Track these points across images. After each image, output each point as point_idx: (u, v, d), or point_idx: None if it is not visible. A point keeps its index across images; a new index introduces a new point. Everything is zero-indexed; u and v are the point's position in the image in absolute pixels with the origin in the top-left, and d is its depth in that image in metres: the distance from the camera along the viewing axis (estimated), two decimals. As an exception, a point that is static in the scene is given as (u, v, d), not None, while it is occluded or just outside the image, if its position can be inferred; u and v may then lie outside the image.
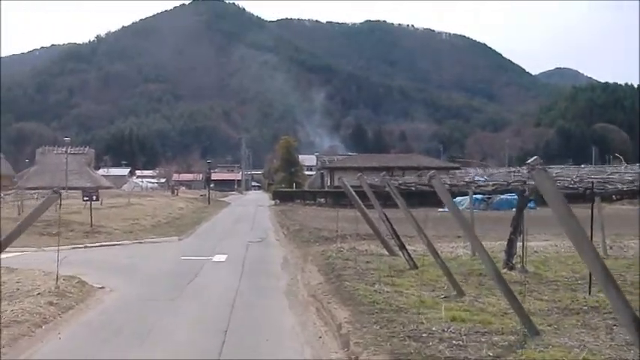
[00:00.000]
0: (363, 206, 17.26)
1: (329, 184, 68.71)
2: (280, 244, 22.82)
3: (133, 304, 11.55)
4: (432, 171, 12.77)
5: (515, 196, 51.78)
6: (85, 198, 27.44)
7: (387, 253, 16.86)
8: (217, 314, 10.53)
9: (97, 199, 28.46)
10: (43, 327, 9.23)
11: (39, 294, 11.00)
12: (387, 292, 11.29)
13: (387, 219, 14.31)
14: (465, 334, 8.19)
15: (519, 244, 15.22)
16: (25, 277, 13.21)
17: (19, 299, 10.61)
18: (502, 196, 50.77)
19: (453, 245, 18.73)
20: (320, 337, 9.06)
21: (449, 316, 9.20)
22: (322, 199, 58.68)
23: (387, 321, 9.00)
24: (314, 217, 37.05)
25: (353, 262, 14.99)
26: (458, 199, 53.17)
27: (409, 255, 14.28)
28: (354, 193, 17.29)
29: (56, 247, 21.75)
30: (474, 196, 52.88)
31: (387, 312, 9.60)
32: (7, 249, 14.85)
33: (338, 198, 57.25)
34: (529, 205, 48.41)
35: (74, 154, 77.94)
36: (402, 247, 14.39)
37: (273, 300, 12.00)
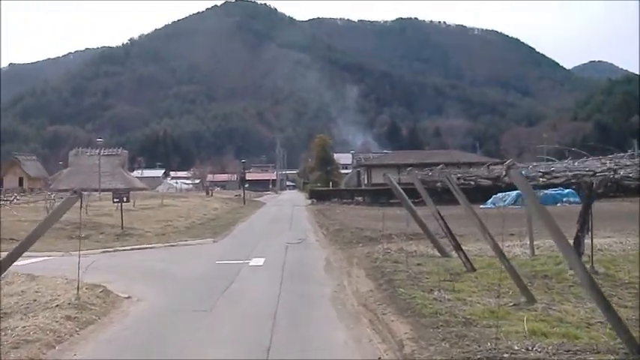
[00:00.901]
0: (411, 203, 15.81)
1: (366, 182, 67.28)
2: (321, 246, 21.39)
3: (163, 316, 10.27)
4: (509, 160, 11.16)
5: (560, 191, 49.95)
6: (116, 200, 26.36)
7: (438, 254, 15.44)
8: (257, 328, 9.25)
9: (128, 201, 27.40)
10: (57, 347, 8.04)
11: (57, 306, 9.81)
12: (449, 300, 9.93)
13: (442, 217, 12.83)
14: (553, 354, 6.80)
15: (586, 241, 13.80)
16: (45, 285, 12.00)
17: (34, 312, 9.44)
18: (546, 191, 48.65)
19: (508, 244, 17.10)
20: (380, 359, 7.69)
21: (527, 328, 7.85)
22: (360, 198, 57.27)
23: (457, 337, 7.69)
24: (353, 217, 35.63)
25: (404, 265, 13.59)
26: (500, 194, 51.40)
27: (466, 256, 12.82)
28: (401, 189, 15.83)
29: (86, 251, 20.97)
30: (518, 192, 51.11)
31: (453, 325, 8.28)
32: (31, 253, 13.97)
33: (376, 196, 56.06)
34: (573, 199, 46.43)
35: (107, 155, 77.44)
36: (458, 247, 12.91)
37: (319, 310, 10.63)
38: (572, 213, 34.74)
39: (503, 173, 8.74)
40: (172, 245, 22.30)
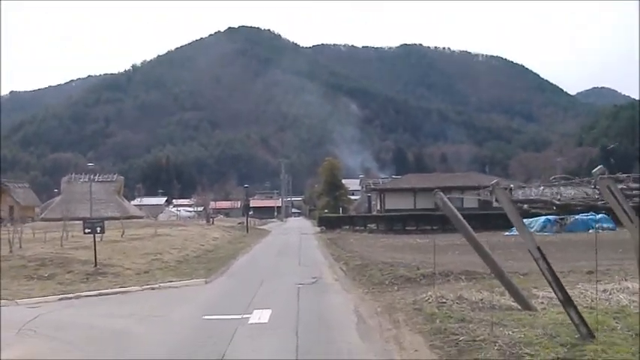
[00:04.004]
0: (473, 235, 11.22)
1: (378, 207, 62.72)
2: (343, 288, 16.56)
3: None
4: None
5: (592, 216, 45.34)
6: (87, 230, 21.68)
7: (515, 304, 10.89)
8: None
9: (102, 232, 22.72)
10: None
11: None
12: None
13: (543, 255, 8.18)
14: None
15: None
16: None
17: None
18: (577, 217, 44.24)
19: (602, 288, 12.43)
20: None
21: None
22: (373, 225, 52.68)
23: None
24: (371, 247, 31.04)
25: (477, 326, 9.07)
26: (525, 220, 46.76)
27: (580, 316, 8.21)
28: (459, 215, 11.24)
29: (39, 298, 16.48)
30: (547, 217, 46.56)
31: None
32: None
33: (391, 223, 51.66)
34: (606, 225, 41.71)
35: (102, 182, 73.25)
36: (568, 301, 8.27)
37: None
38: (605, 241, 30.59)
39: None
40: (153, 288, 17.55)
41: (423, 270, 16.28)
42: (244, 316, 12.10)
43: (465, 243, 26.54)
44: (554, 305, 10.88)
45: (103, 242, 29.98)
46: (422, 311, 10.83)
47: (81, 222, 27.10)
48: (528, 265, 17.29)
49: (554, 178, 7.57)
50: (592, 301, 10.75)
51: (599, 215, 44.98)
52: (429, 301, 11.57)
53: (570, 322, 8.56)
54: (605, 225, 44.07)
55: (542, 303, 11.16)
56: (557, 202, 7.61)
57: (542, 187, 8.30)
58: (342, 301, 13.97)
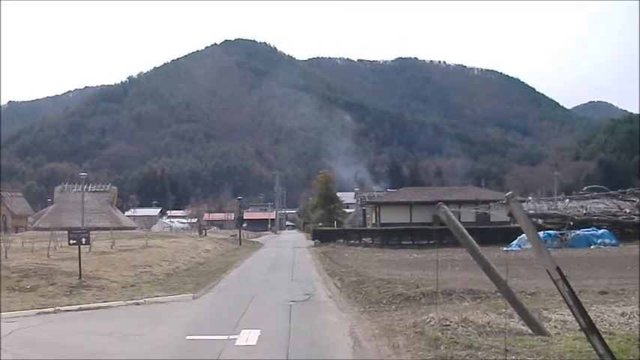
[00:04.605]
0: (480, 251, 10.38)
1: (374, 221, 61.85)
2: (337, 306, 15.62)
3: None
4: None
5: (594, 231, 44.56)
6: (72, 242, 20.74)
7: (525, 328, 10.03)
8: None
9: (88, 243, 21.80)
10: None
11: None
12: None
13: (563, 276, 7.29)
14: None
15: None
16: None
17: None
18: (578, 232, 43.42)
19: (611, 310, 11.58)
20: None
21: None
22: (368, 239, 51.73)
23: None
24: (367, 262, 30.19)
25: (487, 354, 8.24)
26: (524, 235, 45.98)
27: (605, 346, 7.35)
28: (464, 229, 10.41)
29: (18, 312, 15.55)
30: (547, 232, 45.79)
31: None
32: None
33: (387, 237, 50.76)
34: (608, 240, 40.96)
35: (95, 192, 72.26)
36: (592, 329, 7.41)
37: None
38: (610, 258, 29.82)
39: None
40: (137, 303, 16.64)
41: (423, 288, 15.38)
42: (231, 337, 11.19)
43: (465, 258, 25.76)
44: (568, 330, 10.07)
45: (92, 253, 29.14)
46: (424, 335, 9.96)
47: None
48: (533, 284, 16.50)
49: (587, 189, 6.76)
50: (610, 325, 9.92)
51: (601, 230, 44.25)
52: (431, 323, 10.70)
53: (590, 349, 7.74)
54: (607, 240, 43.34)
55: (556, 327, 10.32)
56: (577, 218, 6.78)
57: (567, 200, 7.46)
58: (336, 321, 13.07)
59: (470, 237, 10.30)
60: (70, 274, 20.68)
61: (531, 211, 8.72)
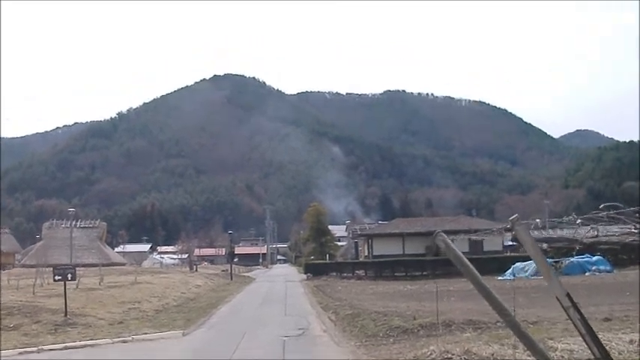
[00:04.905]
0: (481, 280, 9.94)
1: (366, 253, 61.29)
2: (333, 341, 15.06)
3: None
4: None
5: (588, 258, 44.20)
6: (57, 278, 20.15)
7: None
8: None
9: (74, 279, 21.17)
10: None
11: None
12: None
13: (574, 303, 6.83)
14: None
15: None
16: None
17: None
18: (572, 259, 43.04)
19: (618, 338, 11.11)
20: None
21: None
22: (361, 271, 51.15)
23: None
24: (361, 295, 29.67)
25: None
26: (519, 264, 45.58)
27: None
28: (464, 258, 9.97)
29: (3, 350, 14.82)
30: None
31: None
32: None
33: (380, 269, 50.24)
34: (603, 267, 40.63)
35: (83, 227, 71.52)
36: (607, 359, 6.97)
37: None
38: (606, 284, 29.45)
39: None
40: (124, 341, 16.04)
41: (421, 320, 14.92)
42: (222, 376, 10.67)
43: (461, 289, 25.24)
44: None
45: (79, 290, 28.53)
46: (426, 370, 9.49)
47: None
48: (533, 312, 16.05)
49: (603, 207, 6.40)
50: (620, 354, 9.47)
51: (595, 257, 43.97)
52: (432, 356, 10.22)
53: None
54: (601, 267, 43.07)
55: (563, 357, 9.87)
56: (585, 241, 6.42)
57: (579, 221, 7.08)
58: (333, 356, 12.55)
59: (471, 266, 9.83)
60: (56, 312, 20.09)
61: (535, 235, 8.35)
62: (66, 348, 14.93)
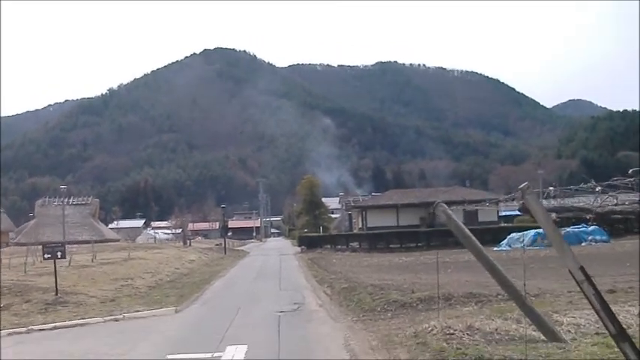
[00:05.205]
0: (484, 251, 9.56)
1: (360, 225, 61.04)
2: (329, 315, 14.71)
3: None
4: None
5: (584, 228, 43.95)
6: (47, 256, 19.69)
7: (537, 335, 9.17)
8: None
9: (63, 257, 20.68)
10: None
11: None
12: None
13: (588, 277, 6.42)
14: None
15: None
16: None
17: None
18: (568, 229, 42.66)
19: (625, 311, 10.73)
20: None
21: None
22: (355, 244, 50.86)
23: None
24: (356, 267, 29.34)
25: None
26: (515, 234, 45.38)
27: (638, 354, 6.51)
28: (466, 229, 9.59)
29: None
30: (536, 230, 45.15)
31: None
32: None
33: (374, 241, 49.96)
34: (599, 237, 40.37)
35: (76, 204, 71.08)
36: (623, 335, 6.55)
37: None
38: (604, 254, 29.22)
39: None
40: (116, 319, 15.64)
41: (419, 293, 14.54)
42: (215, 354, 10.26)
43: (457, 260, 24.95)
44: (584, 335, 9.28)
45: (72, 267, 28.14)
46: (427, 346, 9.08)
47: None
48: (534, 284, 15.68)
49: (633, 172, 5.92)
50: (629, 327, 9.11)
51: (591, 227, 43.73)
52: (434, 332, 9.82)
53: (613, 356, 6.94)
54: (598, 237, 42.82)
55: (570, 332, 9.49)
56: (599, 210, 5.96)
57: (598, 189, 6.59)
58: (329, 332, 12.17)
59: (473, 237, 9.48)
60: (47, 291, 19.65)
61: (544, 204, 7.92)
62: (55, 328, 14.51)
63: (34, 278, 23.28)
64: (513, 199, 44.38)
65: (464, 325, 9.85)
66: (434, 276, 16.07)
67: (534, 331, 9.22)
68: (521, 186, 6.40)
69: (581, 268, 6.55)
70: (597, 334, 9.15)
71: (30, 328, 14.46)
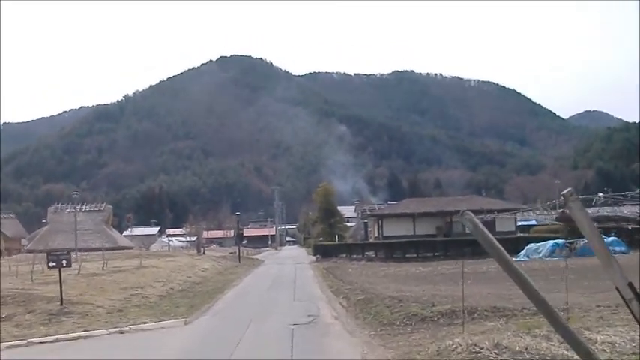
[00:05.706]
0: (515, 265, 8.79)
1: (376, 234, 60.19)
2: (345, 329, 13.94)
3: None
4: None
5: (605, 239, 42.94)
6: (52, 264, 19.09)
7: (572, 354, 8.39)
8: None
9: (69, 265, 20.07)
10: None
11: None
12: None
13: (637, 293, 5.74)
14: None
15: None
16: None
17: None
18: (586, 240, 41.38)
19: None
20: None
21: None
22: (371, 253, 50.00)
23: None
24: (372, 277, 28.58)
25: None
26: (532, 245, 44.42)
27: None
28: (493, 239, 8.83)
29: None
30: (554, 241, 44.11)
31: None
32: None
33: (390, 250, 49.11)
34: (618, 248, 39.22)
35: (89, 211, 70.77)
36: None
37: None
38: (627, 265, 28.25)
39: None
40: (122, 331, 14.99)
41: (440, 306, 13.76)
42: (223, 373, 9.57)
43: (475, 271, 24.01)
44: (620, 354, 8.47)
45: (81, 275, 27.58)
46: (452, 366, 8.34)
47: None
48: (559, 297, 14.81)
49: None
50: None
51: (610, 238, 42.62)
52: (458, 350, 9.05)
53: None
54: (617, 248, 41.71)
55: (605, 351, 8.69)
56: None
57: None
58: (345, 348, 11.42)
59: (501, 248, 8.68)
60: (52, 300, 19.02)
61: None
62: (57, 340, 13.87)
63: (41, 287, 22.69)
64: (553, 208, 43.27)
65: (491, 343, 9.05)
66: (453, 287, 15.30)
67: (566, 349, 8.43)
68: (564, 192, 5.62)
69: (630, 285, 5.78)
70: (634, 353, 8.38)
71: (30, 340, 13.80)
